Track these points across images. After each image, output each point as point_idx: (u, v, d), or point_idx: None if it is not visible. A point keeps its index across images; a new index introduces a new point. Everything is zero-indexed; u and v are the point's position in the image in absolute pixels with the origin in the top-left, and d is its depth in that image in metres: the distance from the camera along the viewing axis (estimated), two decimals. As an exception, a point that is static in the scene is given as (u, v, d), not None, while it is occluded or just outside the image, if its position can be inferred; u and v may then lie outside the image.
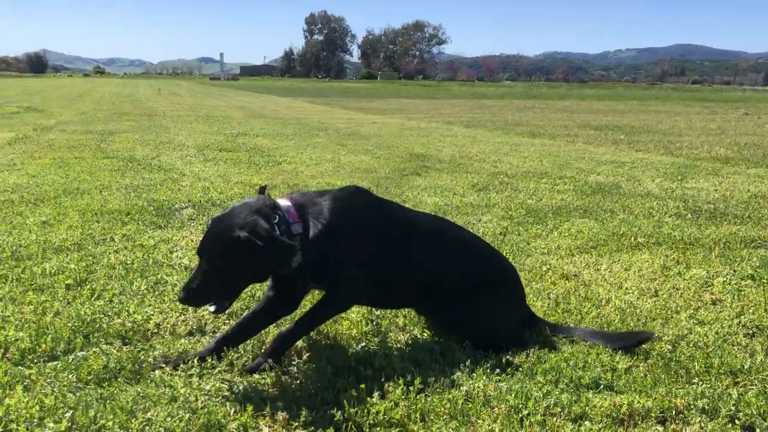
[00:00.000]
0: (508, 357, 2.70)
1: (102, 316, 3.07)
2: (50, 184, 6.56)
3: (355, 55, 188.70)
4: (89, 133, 12.06)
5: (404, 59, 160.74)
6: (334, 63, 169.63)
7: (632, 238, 4.83)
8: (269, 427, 2.20)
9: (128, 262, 4.01)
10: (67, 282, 3.55)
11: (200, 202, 5.92)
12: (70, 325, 2.94)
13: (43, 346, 2.72)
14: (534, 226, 5.17)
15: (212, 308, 2.53)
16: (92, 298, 3.34)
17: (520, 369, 2.60)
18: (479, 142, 11.92)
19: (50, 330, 2.87)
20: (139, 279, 3.67)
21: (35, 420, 2.16)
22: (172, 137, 11.80)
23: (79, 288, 3.50)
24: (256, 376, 2.55)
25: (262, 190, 2.71)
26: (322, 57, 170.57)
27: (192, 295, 2.47)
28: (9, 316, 3.04)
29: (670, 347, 2.88)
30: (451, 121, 17.79)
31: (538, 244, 4.62)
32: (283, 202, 2.66)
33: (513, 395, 2.34)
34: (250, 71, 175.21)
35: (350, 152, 10.07)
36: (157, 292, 3.46)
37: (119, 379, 2.50)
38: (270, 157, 9.21)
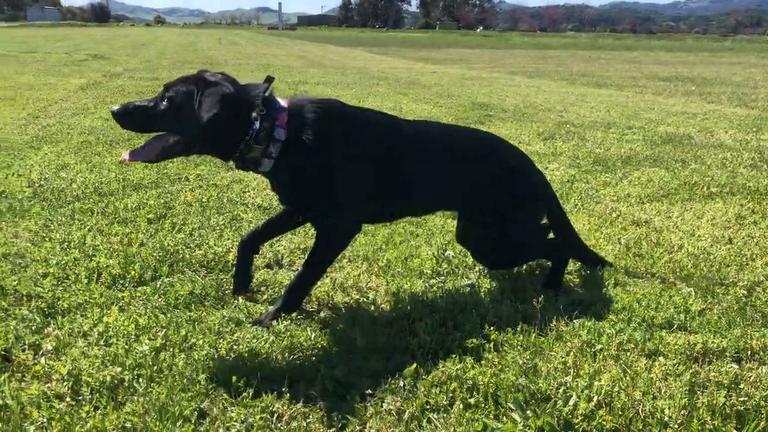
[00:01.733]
0: (579, 296, 2.73)
1: (184, 247, 3.22)
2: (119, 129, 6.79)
3: (413, 5, 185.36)
4: (155, 80, 12.31)
5: (464, 8, 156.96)
6: (392, 12, 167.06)
7: (705, 188, 4.71)
8: (350, 352, 2.29)
9: (204, 199, 4.16)
10: (148, 216, 3.72)
11: (267, 146, 6.04)
12: (155, 254, 3.10)
13: (132, 272, 2.89)
14: (602, 174, 5.09)
15: (126, 155, 2.40)
16: (173, 232, 3.50)
17: (592, 308, 2.62)
18: (543, 92, 11.67)
19: (137, 258, 3.04)
20: (216, 215, 3.81)
21: (132, 337, 2.32)
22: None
23: (160, 222, 3.67)
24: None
25: (269, 79, 2.48)
26: (380, 6, 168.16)
27: (126, 112, 2.35)
28: (98, 245, 3.22)
29: (745, 292, 2.85)
30: (513, 71, 17.42)
31: (607, 192, 4.57)
32: (282, 103, 2.44)
33: (585, 331, 2.38)
34: (307, 21, 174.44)
35: (412, 101, 10.02)
36: (234, 228, 3.60)
37: (205, 304, 2.64)
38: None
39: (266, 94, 2.39)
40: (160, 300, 2.64)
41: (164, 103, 2.33)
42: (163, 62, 17.99)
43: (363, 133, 2.51)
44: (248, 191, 4.43)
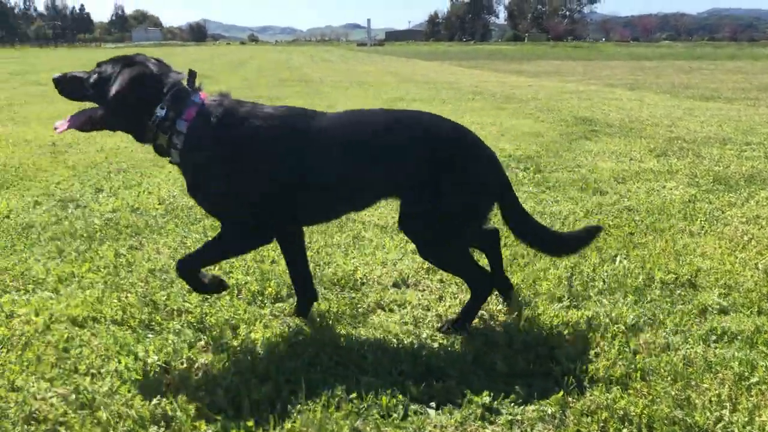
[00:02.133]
0: (723, 324, 2.63)
1: (313, 265, 3.32)
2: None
3: (501, 17, 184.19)
4: (258, 98, 12.78)
5: (553, 20, 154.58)
6: (478, 25, 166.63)
7: (842, 209, 4.43)
8: (487, 374, 2.30)
9: (323, 217, 4.28)
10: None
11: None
12: (288, 271, 3.22)
13: (269, 289, 3.01)
14: (725, 194, 4.88)
15: (58, 123, 2.53)
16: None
17: (739, 337, 2.52)
18: (647, 106, 11.30)
19: (272, 275, 3.16)
20: (338, 233, 3.92)
21: (281, 353, 2.42)
22: (332, 102, 12.23)
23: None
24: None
25: (192, 72, 2.53)
26: (467, 20, 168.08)
27: (64, 80, 2.52)
28: (234, 262, 3.37)
29: None
30: (611, 84, 16.97)
31: (734, 213, 4.37)
32: (200, 98, 2.45)
33: (737, 363, 2.29)
34: (394, 36, 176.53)
35: (511, 116, 9.95)
36: (357, 246, 3.69)
37: (342, 322, 2.72)
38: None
39: (182, 86, 2.45)
40: (298, 318, 2.74)
41: (93, 76, 2.48)
42: (261, 81, 18.63)
43: (259, 136, 2.40)
44: (367, 210, 4.51)
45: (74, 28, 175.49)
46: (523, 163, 6.06)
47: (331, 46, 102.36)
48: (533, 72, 23.97)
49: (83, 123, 2.51)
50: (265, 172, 2.40)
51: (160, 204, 4.63)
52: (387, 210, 4.44)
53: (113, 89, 2.37)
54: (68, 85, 2.52)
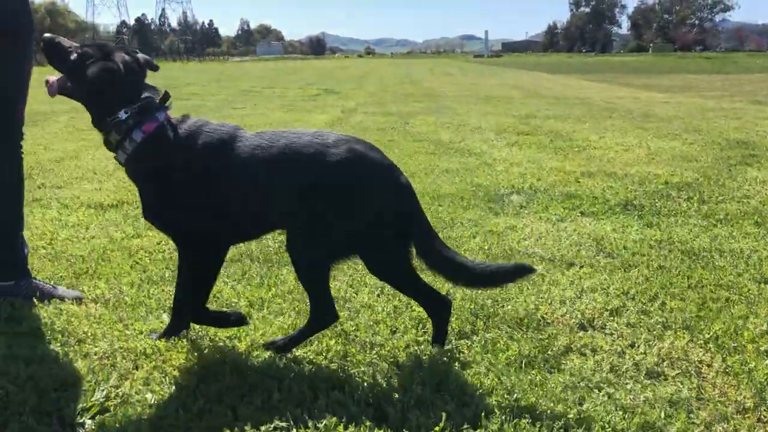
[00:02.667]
0: None
1: (490, 300, 3.30)
2: (381, 166, 7.21)
3: (624, 27, 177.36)
4: (389, 115, 12.98)
5: (681, 29, 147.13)
6: (600, 36, 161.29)
7: None
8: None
9: (486, 247, 4.26)
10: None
11: (522, 188, 6.05)
12: (466, 306, 3.22)
13: (452, 325, 3.01)
14: None
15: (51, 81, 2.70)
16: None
17: None
18: (808, 127, 10.48)
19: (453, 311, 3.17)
20: (506, 266, 3.87)
21: (482, 397, 2.41)
22: (464, 119, 12.21)
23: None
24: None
25: (167, 94, 2.70)
26: (587, 30, 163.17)
27: (53, 42, 2.65)
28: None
29: None
30: (759, 101, 15.89)
31: None
32: (163, 116, 2.61)
33: None
34: (511, 47, 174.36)
35: (656, 137, 9.52)
36: (530, 281, 3.63)
37: (536, 366, 2.67)
38: (572, 142, 9.08)
39: (153, 101, 2.61)
40: (490, 357, 2.72)
41: (77, 51, 2.61)
42: (387, 96, 18.91)
43: (202, 155, 2.54)
44: (526, 239, 4.46)
45: (203, 42, 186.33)
46: (684, 192, 5.77)
47: (447, 58, 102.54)
48: (666, 86, 22.89)
49: (60, 88, 2.69)
50: (202, 191, 2.54)
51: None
52: (554, 242, 4.36)
53: (88, 73, 2.55)
54: (53, 49, 2.66)
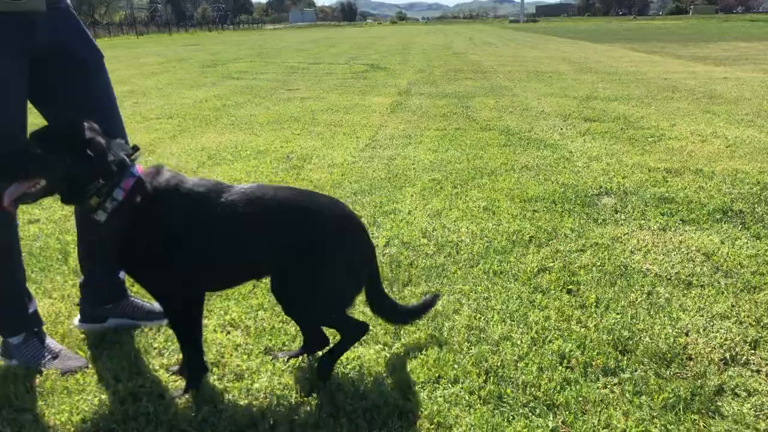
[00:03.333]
0: None
1: (624, 330, 3.32)
2: (458, 162, 7.20)
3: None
4: (445, 97, 12.88)
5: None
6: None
7: None
8: None
9: (599, 263, 4.27)
10: (567, 287, 3.91)
11: (610, 188, 6.01)
12: (605, 338, 3.24)
13: (598, 361, 3.05)
14: None
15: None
16: (601, 308, 3.62)
17: None
18: None
19: (589, 342, 3.20)
20: (626, 288, 3.88)
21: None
22: (523, 102, 12.07)
23: (578, 294, 3.81)
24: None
25: (135, 147, 2.69)
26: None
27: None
28: (551, 327, 3.43)
29: None
30: (824, 76, 15.38)
31: None
32: (136, 170, 2.62)
33: None
34: (545, 11, 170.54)
35: (728, 123, 9.31)
36: (655, 306, 3.63)
37: (693, 409, 2.69)
38: (644, 131, 8.93)
39: (125, 161, 2.58)
40: (645, 399, 2.76)
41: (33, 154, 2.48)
42: (436, 72, 18.69)
43: (181, 212, 2.60)
44: (634, 253, 4.44)
45: (236, 10, 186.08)
46: (784, 196, 5.67)
47: (481, 23, 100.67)
48: (719, 58, 22.22)
49: (19, 198, 2.50)
50: (183, 245, 2.59)
51: (423, 237, 4.81)
52: (664, 257, 4.34)
53: (61, 170, 2.49)
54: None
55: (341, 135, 9.06)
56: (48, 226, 5.20)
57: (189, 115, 10.83)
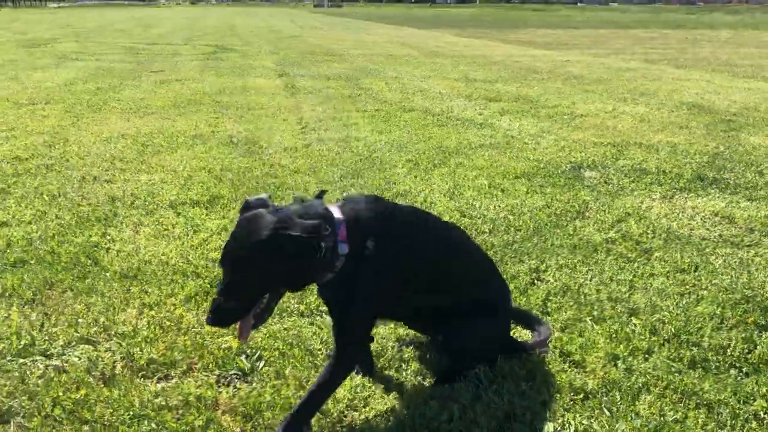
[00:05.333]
0: None
1: (745, 289, 3.56)
2: (414, 143, 7.16)
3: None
4: (331, 80, 12.63)
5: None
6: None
7: None
8: None
9: (648, 232, 4.50)
10: (645, 254, 4.08)
11: (582, 163, 6.35)
12: (735, 297, 3.45)
13: (749, 318, 3.24)
14: None
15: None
16: (701, 271, 3.83)
17: None
18: (730, 89, 11.76)
19: (728, 302, 3.39)
20: (695, 251, 4.15)
21: None
22: (409, 83, 12.21)
23: (663, 260, 4.00)
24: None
25: (321, 194, 2.39)
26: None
27: (221, 315, 2.18)
28: (675, 293, 3.56)
29: None
30: (651, 59, 17.41)
31: None
32: (336, 213, 2.30)
33: None
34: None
35: (616, 101, 10.22)
36: (743, 263, 3.92)
37: None
38: (551, 108, 9.51)
39: (326, 212, 2.28)
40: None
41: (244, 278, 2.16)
42: (291, 54, 18.23)
43: (412, 245, 2.46)
44: (671, 220, 4.75)
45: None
46: (728, 162, 6.37)
47: (281, 6, 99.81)
48: (542, 43, 24.13)
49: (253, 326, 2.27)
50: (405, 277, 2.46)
51: (465, 217, 4.74)
52: (701, 222, 4.67)
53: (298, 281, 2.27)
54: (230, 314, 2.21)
55: (265, 117, 8.56)
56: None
57: (68, 101, 9.55)
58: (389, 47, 21.98)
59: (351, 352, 2.44)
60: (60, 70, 13.52)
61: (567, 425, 2.42)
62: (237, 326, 2.24)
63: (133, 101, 9.69)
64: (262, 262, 2.11)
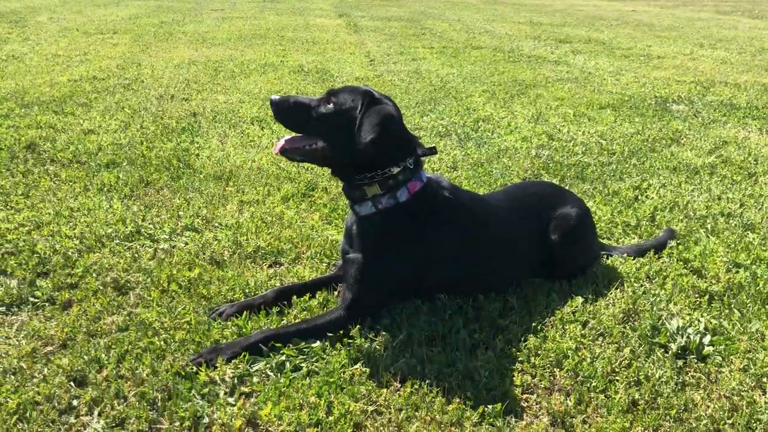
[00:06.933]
0: None
1: None
2: (489, 76, 6.96)
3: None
4: (393, 20, 12.41)
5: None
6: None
7: None
8: None
9: (750, 158, 4.29)
10: (756, 177, 3.89)
11: (667, 97, 6.09)
12: None
13: None
14: None
15: (281, 142, 2.24)
16: None
17: None
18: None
19: None
20: None
21: None
22: (473, 24, 11.94)
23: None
24: None
25: (432, 149, 2.30)
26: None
27: (287, 105, 2.23)
28: None
29: None
30: (722, 11, 16.65)
31: None
32: (426, 175, 2.31)
33: None
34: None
35: (693, 45, 9.79)
36: None
37: None
38: (626, 50, 9.18)
39: (420, 155, 2.25)
40: None
41: (328, 106, 2.20)
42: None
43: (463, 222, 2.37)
44: (764, 149, 4.53)
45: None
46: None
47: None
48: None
49: (293, 151, 2.24)
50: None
51: (553, 140, 4.59)
52: None
53: (368, 137, 2.09)
54: (291, 113, 2.24)
55: (331, 51, 8.45)
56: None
57: (135, 31, 9.57)
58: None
59: (355, 308, 2.22)
60: (121, 7, 13.55)
61: (695, 322, 2.32)
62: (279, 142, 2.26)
63: (198, 34, 9.66)
64: (352, 115, 2.15)
